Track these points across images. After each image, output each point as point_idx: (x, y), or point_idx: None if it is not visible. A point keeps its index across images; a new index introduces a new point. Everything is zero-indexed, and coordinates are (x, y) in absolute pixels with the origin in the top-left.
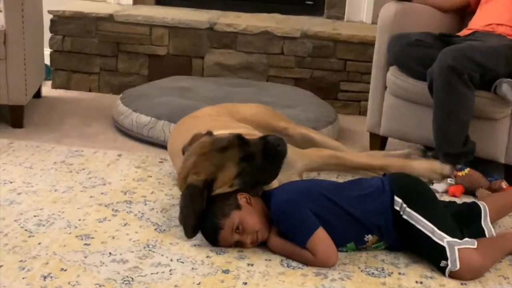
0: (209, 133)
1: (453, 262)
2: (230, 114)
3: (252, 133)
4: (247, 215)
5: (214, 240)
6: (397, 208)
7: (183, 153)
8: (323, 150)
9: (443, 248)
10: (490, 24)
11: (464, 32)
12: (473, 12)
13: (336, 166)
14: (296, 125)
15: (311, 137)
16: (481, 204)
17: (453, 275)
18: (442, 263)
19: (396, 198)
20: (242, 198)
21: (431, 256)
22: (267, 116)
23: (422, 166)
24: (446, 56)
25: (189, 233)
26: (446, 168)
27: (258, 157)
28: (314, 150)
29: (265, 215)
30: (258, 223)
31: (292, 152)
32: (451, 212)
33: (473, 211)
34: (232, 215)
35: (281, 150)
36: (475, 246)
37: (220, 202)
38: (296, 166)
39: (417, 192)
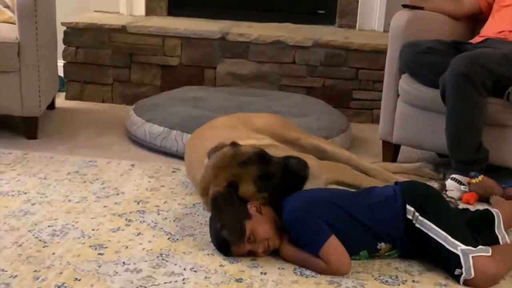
0: (234, 144)
1: (468, 270)
2: (244, 125)
3: (274, 144)
4: (258, 224)
5: (226, 251)
6: (410, 216)
7: (208, 157)
8: (345, 168)
9: (457, 256)
10: (502, 31)
11: (476, 39)
12: (485, 19)
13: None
14: (308, 136)
15: (323, 148)
16: (495, 211)
17: (467, 283)
18: (457, 271)
19: (408, 206)
20: (252, 207)
21: (445, 265)
22: (280, 127)
23: None
24: (458, 63)
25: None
26: None
27: (277, 177)
28: (336, 166)
29: (276, 223)
30: (269, 232)
31: (316, 164)
32: (465, 219)
33: (486, 219)
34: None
35: (301, 173)
36: (490, 254)
37: (233, 211)
38: (320, 178)
39: (429, 200)
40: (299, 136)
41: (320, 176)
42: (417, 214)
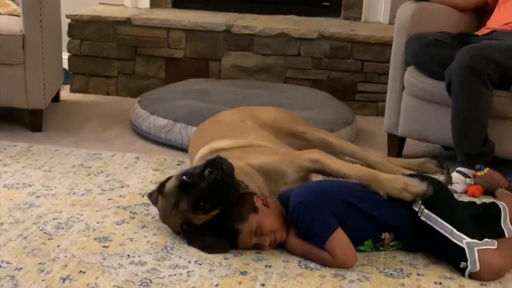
0: (160, 191)
1: (473, 263)
2: (251, 119)
3: (263, 144)
4: (264, 217)
5: (232, 244)
6: (416, 209)
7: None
8: (313, 154)
9: (462, 249)
10: (508, 23)
11: (482, 31)
12: (491, 11)
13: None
14: (315, 130)
15: (329, 142)
16: (501, 204)
17: (473, 276)
18: (462, 265)
19: None
20: (258, 201)
21: (451, 258)
22: (286, 121)
23: (390, 185)
24: (464, 56)
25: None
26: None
27: (208, 194)
28: (306, 154)
29: (283, 216)
30: (276, 224)
31: (281, 162)
32: (471, 213)
33: (492, 212)
34: (250, 219)
35: (219, 181)
36: (495, 247)
37: (237, 206)
38: (286, 176)
39: (436, 193)
40: (305, 130)
41: (287, 171)
42: (423, 207)
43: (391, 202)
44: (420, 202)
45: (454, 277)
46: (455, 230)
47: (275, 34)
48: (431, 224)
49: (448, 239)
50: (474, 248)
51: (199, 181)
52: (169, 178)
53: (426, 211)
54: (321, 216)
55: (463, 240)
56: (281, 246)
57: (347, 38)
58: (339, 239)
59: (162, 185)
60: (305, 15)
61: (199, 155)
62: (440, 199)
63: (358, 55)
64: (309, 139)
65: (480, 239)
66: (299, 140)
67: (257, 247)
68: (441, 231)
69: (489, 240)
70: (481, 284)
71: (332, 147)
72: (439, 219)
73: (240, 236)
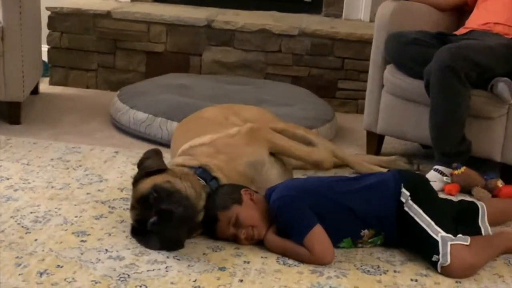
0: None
1: (444, 256)
2: (234, 116)
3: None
4: (246, 210)
5: (211, 230)
6: (403, 199)
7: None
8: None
9: (437, 242)
10: (487, 23)
11: (461, 31)
12: (470, 11)
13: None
14: (295, 127)
15: (309, 139)
16: (480, 204)
17: (445, 272)
18: (434, 258)
19: (404, 190)
20: (246, 194)
21: (425, 250)
22: (268, 120)
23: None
24: (443, 55)
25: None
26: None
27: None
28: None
29: (265, 213)
30: (255, 220)
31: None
32: (449, 210)
33: (470, 211)
34: (232, 209)
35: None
36: (468, 243)
37: (224, 194)
38: (264, 161)
39: (424, 188)
40: (285, 127)
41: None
42: (409, 198)
43: (379, 190)
44: (408, 194)
45: (430, 274)
46: (433, 223)
47: (256, 30)
48: (411, 214)
49: (426, 231)
50: (448, 242)
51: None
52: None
53: (410, 202)
54: (301, 211)
55: (439, 234)
56: (260, 243)
57: (328, 35)
58: (318, 235)
59: (135, 181)
60: (286, 11)
61: (180, 151)
62: (427, 194)
63: (338, 52)
64: (289, 136)
65: (455, 235)
66: None
67: (235, 240)
68: (420, 222)
69: (463, 236)
70: (456, 282)
71: (312, 144)
72: (421, 211)
73: (219, 223)
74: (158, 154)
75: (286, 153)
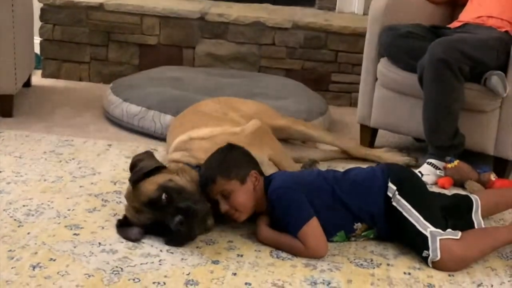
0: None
1: (434, 251)
2: (233, 111)
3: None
4: (242, 194)
5: (203, 185)
6: (390, 194)
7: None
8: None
9: (426, 237)
10: (480, 17)
11: (455, 24)
12: (464, 5)
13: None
14: (295, 123)
15: (310, 134)
16: (474, 197)
17: (436, 266)
18: (424, 253)
19: (390, 184)
20: (252, 177)
21: (415, 245)
22: (267, 115)
23: None
24: (436, 48)
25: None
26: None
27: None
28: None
29: (257, 204)
30: (245, 207)
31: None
32: (442, 204)
33: (464, 204)
34: (231, 183)
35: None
36: (458, 237)
37: (234, 161)
38: (263, 163)
39: (411, 181)
40: (286, 124)
41: (263, 162)
42: (396, 192)
43: (367, 186)
44: (395, 188)
45: (423, 267)
46: (421, 218)
47: (249, 22)
48: (400, 209)
49: (414, 226)
50: (437, 237)
51: (168, 219)
52: (140, 159)
53: (398, 196)
54: (298, 203)
55: (428, 229)
56: (254, 236)
57: (322, 28)
58: (313, 228)
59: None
60: (280, 4)
61: (177, 142)
62: (414, 187)
63: (332, 45)
64: (290, 132)
65: (444, 229)
66: (279, 133)
67: (215, 203)
68: (408, 217)
69: (452, 231)
70: (449, 275)
71: (312, 138)
72: (409, 206)
73: (213, 185)
74: (150, 155)
75: (280, 167)
